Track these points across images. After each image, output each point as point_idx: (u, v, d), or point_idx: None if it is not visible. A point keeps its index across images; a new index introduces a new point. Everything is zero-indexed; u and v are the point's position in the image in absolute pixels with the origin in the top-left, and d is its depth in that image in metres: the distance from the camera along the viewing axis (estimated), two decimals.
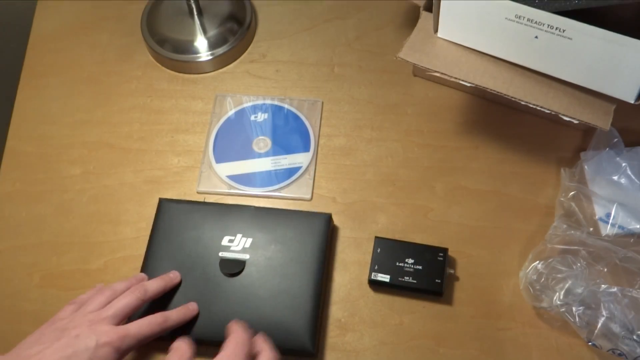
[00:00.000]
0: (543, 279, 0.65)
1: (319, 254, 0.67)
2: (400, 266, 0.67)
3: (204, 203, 0.72)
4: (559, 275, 0.64)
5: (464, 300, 0.68)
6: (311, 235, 0.68)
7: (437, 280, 0.67)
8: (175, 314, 0.61)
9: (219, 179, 0.76)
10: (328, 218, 0.70)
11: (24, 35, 0.89)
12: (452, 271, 0.69)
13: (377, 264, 0.68)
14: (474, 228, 0.72)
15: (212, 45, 0.84)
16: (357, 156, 0.77)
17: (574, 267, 0.64)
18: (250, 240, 0.68)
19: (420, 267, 0.67)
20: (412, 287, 0.67)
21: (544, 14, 0.62)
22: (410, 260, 0.68)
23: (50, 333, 0.55)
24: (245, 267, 0.66)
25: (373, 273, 0.68)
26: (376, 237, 0.70)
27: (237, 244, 0.68)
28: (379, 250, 0.69)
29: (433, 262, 0.68)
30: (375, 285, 0.68)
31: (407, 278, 0.67)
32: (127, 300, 0.59)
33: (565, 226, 0.68)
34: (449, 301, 0.68)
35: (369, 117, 0.80)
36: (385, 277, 0.67)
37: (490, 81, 0.68)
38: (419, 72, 0.81)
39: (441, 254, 0.68)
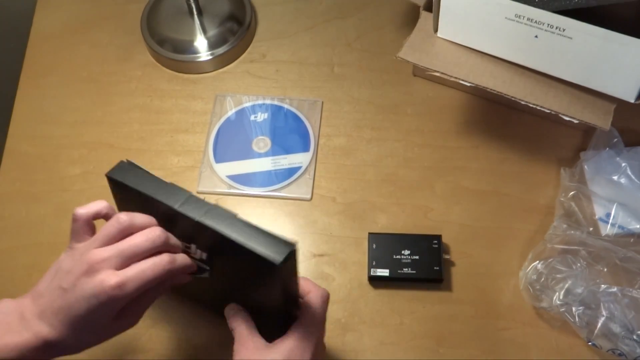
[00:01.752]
0: (543, 279, 0.65)
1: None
2: (398, 259, 0.68)
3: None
4: (558, 275, 0.64)
5: (463, 296, 0.68)
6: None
7: (435, 268, 0.67)
8: (181, 257, 0.53)
9: (219, 179, 0.76)
10: (292, 251, 0.50)
11: (24, 35, 0.89)
12: (447, 256, 0.69)
13: (375, 259, 0.68)
14: (474, 228, 0.72)
15: (212, 45, 0.84)
16: (357, 156, 0.77)
17: (574, 267, 0.64)
18: (205, 254, 0.55)
19: (417, 257, 0.68)
20: (412, 278, 0.67)
21: (544, 13, 0.62)
22: (407, 252, 0.68)
23: (53, 282, 0.51)
24: (211, 270, 0.56)
25: (372, 269, 0.68)
26: (370, 234, 0.70)
27: (194, 252, 0.56)
28: (374, 246, 0.69)
29: (429, 251, 0.68)
30: (375, 281, 0.69)
31: (406, 269, 0.67)
32: (137, 241, 0.50)
33: (565, 226, 0.68)
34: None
35: (369, 117, 0.80)
36: (384, 272, 0.67)
37: (490, 81, 0.68)
38: (419, 72, 0.81)
39: (435, 241, 0.69)
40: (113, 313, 0.50)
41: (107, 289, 0.48)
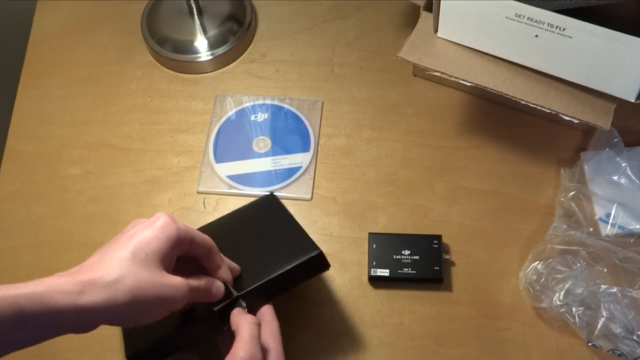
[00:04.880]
0: (543, 280, 0.64)
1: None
2: (398, 259, 0.68)
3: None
4: (558, 276, 0.64)
5: (463, 296, 0.68)
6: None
7: (435, 268, 0.67)
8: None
9: (219, 179, 0.76)
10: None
11: (24, 35, 0.89)
12: (447, 257, 0.69)
13: (375, 259, 0.68)
14: (474, 228, 0.72)
15: (212, 45, 0.84)
16: (357, 156, 0.77)
17: (574, 267, 0.64)
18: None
19: (417, 257, 0.68)
20: (412, 278, 0.67)
21: (544, 12, 0.62)
22: (407, 252, 0.68)
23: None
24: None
25: (372, 269, 0.68)
26: (370, 233, 0.70)
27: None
28: (374, 246, 0.69)
29: (429, 251, 0.68)
30: (375, 281, 0.69)
31: (406, 269, 0.67)
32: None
33: (565, 226, 0.67)
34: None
35: (369, 117, 0.80)
36: (384, 272, 0.67)
37: (491, 81, 0.68)
38: (419, 72, 0.81)
39: (436, 242, 0.69)
40: None
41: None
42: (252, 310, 0.58)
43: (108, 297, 0.45)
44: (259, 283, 0.57)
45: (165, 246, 0.50)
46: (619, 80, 0.63)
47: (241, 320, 0.53)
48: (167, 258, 0.50)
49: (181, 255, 0.53)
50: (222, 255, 0.57)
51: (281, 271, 0.58)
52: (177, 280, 0.50)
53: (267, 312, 0.57)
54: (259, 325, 0.54)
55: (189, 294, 0.50)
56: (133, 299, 0.46)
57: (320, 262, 0.60)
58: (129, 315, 0.47)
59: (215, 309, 0.55)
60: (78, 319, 0.45)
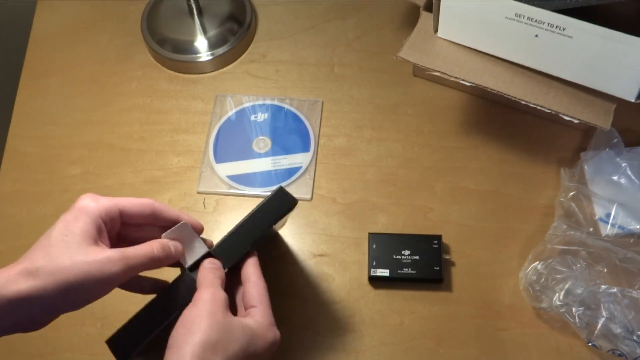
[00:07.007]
0: (543, 280, 0.64)
1: None
2: (398, 259, 0.68)
3: None
4: (558, 276, 0.64)
5: (463, 296, 0.68)
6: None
7: (435, 268, 0.67)
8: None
9: (219, 179, 0.76)
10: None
11: (24, 35, 0.89)
12: (447, 257, 0.69)
13: (375, 259, 0.68)
14: (474, 228, 0.72)
15: (212, 45, 0.84)
16: (357, 156, 0.77)
17: (574, 267, 0.64)
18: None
19: (417, 257, 0.68)
20: (412, 278, 0.67)
21: (544, 12, 0.62)
22: (407, 252, 0.68)
23: None
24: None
25: (372, 269, 0.68)
26: (370, 234, 0.70)
27: None
28: (374, 246, 0.69)
29: (429, 251, 0.68)
30: (375, 281, 0.69)
31: (406, 269, 0.67)
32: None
33: (565, 226, 0.67)
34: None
35: (369, 117, 0.80)
36: (384, 272, 0.67)
37: (491, 81, 0.68)
38: (419, 72, 0.81)
39: (436, 242, 0.69)
40: None
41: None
42: (235, 269, 0.57)
43: (32, 284, 0.46)
44: (229, 233, 0.57)
45: (85, 224, 0.50)
46: (619, 80, 0.63)
47: (202, 271, 0.54)
48: (94, 235, 0.50)
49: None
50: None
51: (247, 215, 0.58)
52: (105, 253, 0.48)
53: (252, 272, 0.56)
54: (219, 270, 0.54)
55: (125, 264, 0.49)
56: (58, 282, 0.46)
57: (284, 197, 0.60)
58: (63, 297, 0.47)
59: (186, 266, 0.55)
60: (11, 311, 0.46)
